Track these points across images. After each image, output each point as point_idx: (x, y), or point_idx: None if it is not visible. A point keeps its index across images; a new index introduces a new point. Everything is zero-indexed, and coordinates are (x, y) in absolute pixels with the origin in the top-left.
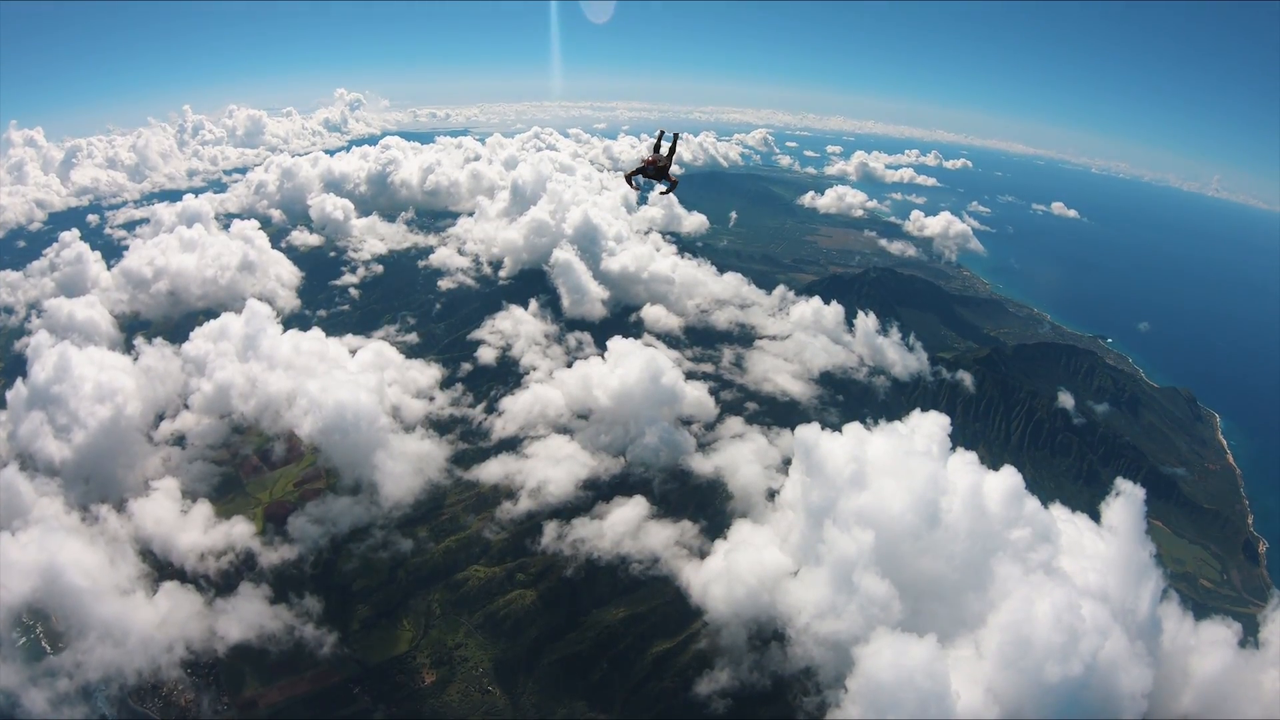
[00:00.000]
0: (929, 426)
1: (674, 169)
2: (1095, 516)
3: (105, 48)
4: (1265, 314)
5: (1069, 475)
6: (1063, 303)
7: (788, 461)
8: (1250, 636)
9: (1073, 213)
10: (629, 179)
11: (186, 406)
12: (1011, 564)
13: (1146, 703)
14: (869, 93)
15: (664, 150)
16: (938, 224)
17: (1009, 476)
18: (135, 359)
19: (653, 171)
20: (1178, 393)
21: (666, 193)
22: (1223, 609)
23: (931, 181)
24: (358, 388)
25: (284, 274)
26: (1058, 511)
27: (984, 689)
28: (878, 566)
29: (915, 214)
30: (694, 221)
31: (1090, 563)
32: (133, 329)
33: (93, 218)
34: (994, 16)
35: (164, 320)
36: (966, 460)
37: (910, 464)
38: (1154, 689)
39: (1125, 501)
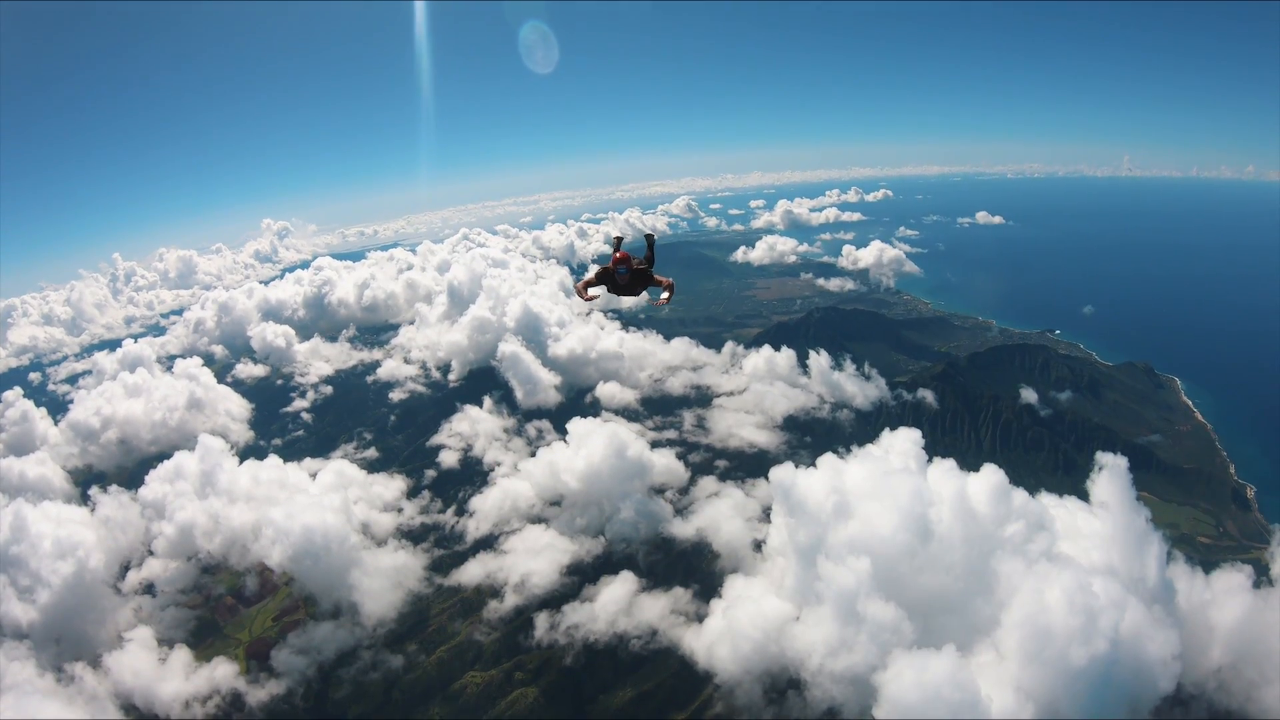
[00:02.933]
0: (901, 444)
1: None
2: (1083, 499)
3: (29, 206)
4: (1198, 274)
5: (1047, 468)
6: (1005, 306)
7: (768, 510)
8: (1261, 577)
9: (997, 219)
10: (583, 290)
11: (151, 553)
12: (1013, 560)
13: (1179, 664)
14: (782, 144)
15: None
16: (870, 254)
17: (991, 475)
18: (93, 510)
19: (627, 276)
20: (1134, 366)
21: (668, 299)
22: (1227, 559)
23: (857, 216)
24: (323, 510)
25: (233, 408)
26: (1046, 500)
27: (1013, 689)
28: (880, 591)
29: (847, 249)
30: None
31: (1090, 541)
32: (87, 482)
33: (35, 375)
34: (884, 47)
35: (118, 469)
36: (945, 468)
37: (891, 483)
38: (1182, 649)
39: (1110, 474)
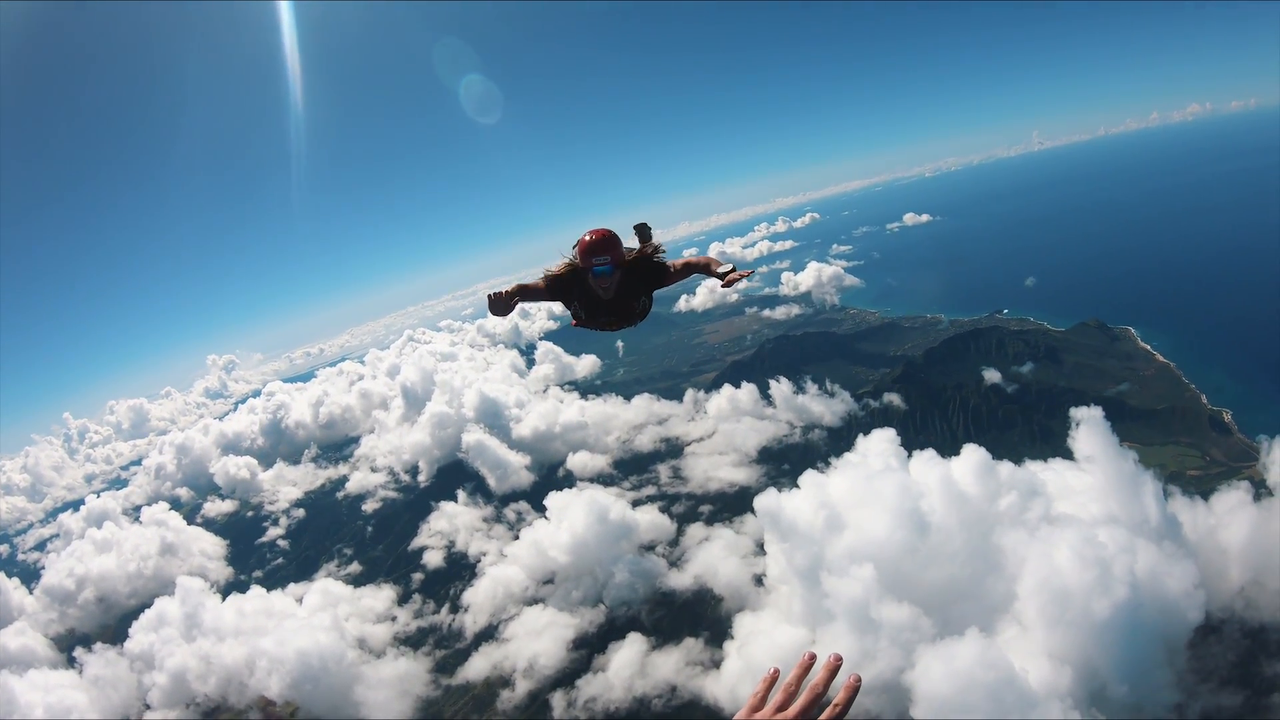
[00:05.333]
0: (878, 446)
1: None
2: (1069, 458)
3: None
4: (1124, 224)
5: (1025, 442)
6: (949, 298)
7: (761, 543)
8: (1260, 490)
9: (924, 217)
10: (507, 298)
11: (148, 706)
12: (1013, 531)
13: (1202, 592)
14: (704, 189)
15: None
16: (809, 277)
17: (972, 454)
18: (81, 672)
19: (614, 278)
20: (1087, 326)
21: (740, 277)
22: (1221, 484)
23: (789, 244)
24: (314, 631)
25: (207, 547)
26: (1033, 467)
27: (1045, 657)
28: (890, 594)
29: (785, 276)
30: (585, 364)
31: (1085, 496)
32: (71, 645)
33: (2, 548)
34: (783, 74)
35: (100, 628)
36: (926, 459)
37: (876, 485)
38: (1201, 578)
39: (1088, 427)
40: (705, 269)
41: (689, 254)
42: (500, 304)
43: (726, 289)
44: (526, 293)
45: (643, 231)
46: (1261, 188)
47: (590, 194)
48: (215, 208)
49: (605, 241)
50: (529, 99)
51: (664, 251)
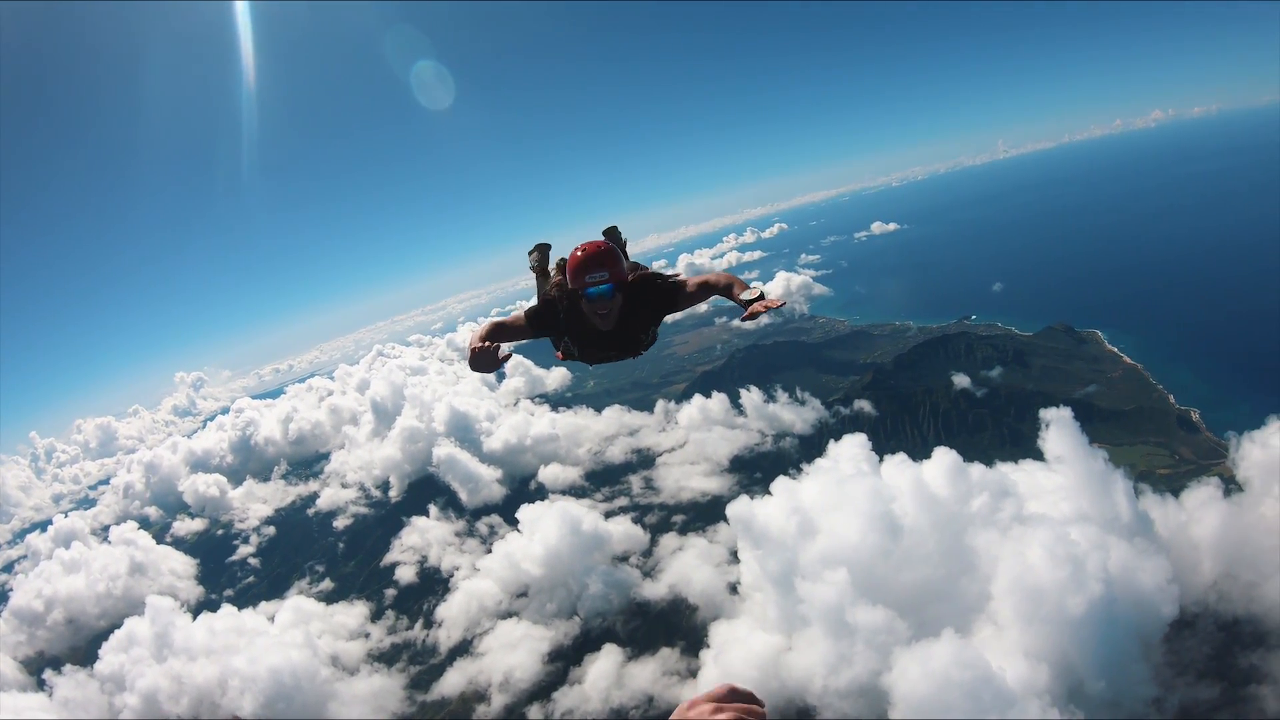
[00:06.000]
0: (849, 450)
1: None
2: (1039, 459)
3: None
4: (1089, 229)
5: (995, 445)
6: (918, 305)
7: (734, 551)
8: (1230, 486)
9: (891, 226)
10: (487, 351)
11: None
12: (986, 532)
13: (1176, 587)
14: (672, 200)
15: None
16: (777, 286)
17: (943, 456)
18: (50, 695)
19: (613, 304)
20: (1054, 329)
21: (771, 306)
22: (1191, 481)
23: (758, 254)
24: (286, 649)
25: (177, 566)
26: (1004, 468)
27: (1021, 655)
28: (865, 597)
29: (754, 285)
30: (556, 377)
31: (1056, 495)
32: (40, 667)
33: None
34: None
35: (70, 650)
36: (897, 463)
37: (848, 490)
38: (1174, 572)
39: (1057, 427)
40: (726, 291)
41: (709, 274)
42: (485, 359)
43: (747, 322)
44: (504, 332)
45: (612, 236)
46: (1223, 190)
47: (559, 205)
48: (182, 221)
49: (602, 256)
50: (497, 105)
51: (676, 274)
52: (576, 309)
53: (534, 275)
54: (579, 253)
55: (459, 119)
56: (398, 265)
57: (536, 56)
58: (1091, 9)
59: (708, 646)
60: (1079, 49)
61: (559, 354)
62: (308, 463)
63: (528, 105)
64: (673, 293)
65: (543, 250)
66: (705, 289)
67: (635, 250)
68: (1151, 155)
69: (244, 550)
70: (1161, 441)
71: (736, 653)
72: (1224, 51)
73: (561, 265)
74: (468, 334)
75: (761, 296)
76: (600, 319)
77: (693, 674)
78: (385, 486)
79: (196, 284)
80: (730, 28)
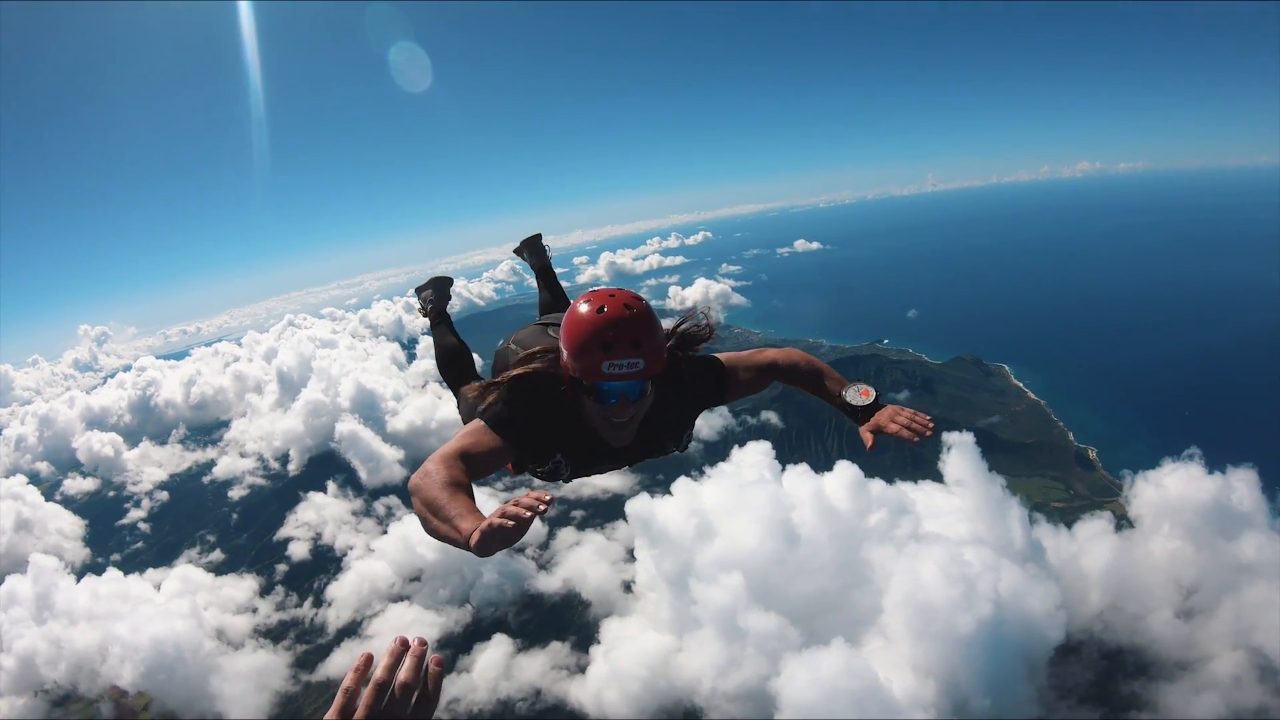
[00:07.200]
0: (752, 457)
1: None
2: (938, 481)
3: None
4: (1006, 268)
5: (896, 467)
6: (832, 324)
7: (631, 550)
8: (1122, 521)
9: (815, 245)
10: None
11: None
12: (882, 546)
13: (1063, 613)
14: (600, 199)
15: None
16: (695, 292)
17: (845, 470)
18: None
19: (639, 406)
20: (963, 360)
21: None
22: (1084, 515)
23: (679, 260)
24: (171, 619)
25: (65, 526)
26: (904, 486)
27: (909, 668)
28: (758, 602)
29: (673, 290)
30: None
31: (953, 517)
32: None
33: None
34: (691, 91)
35: None
36: (799, 473)
37: (748, 495)
38: (1063, 599)
39: (958, 451)
40: (811, 383)
41: (778, 353)
42: (511, 534)
43: (869, 439)
44: (479, 467)
45: (535, 251)
46: (1137, 245)
47: (485, 193)
48: (100, 165)
49: (638, 323)
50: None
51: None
52: (572, 409)
53: (427, 323)
54: (595, 310)
55: (392, 93)
56: (315, 236)
57: (481, 34)
58: (1030, 57)
59: (598, 643)
60: (1014, 92)
61: (512, 469)
62: (207, 429)
63: (466, 87)
64: (725, 381)
65: (441, 288)
66: (771, 373)
67: (560, 245)
68: (1073, 204)
69: (135, 514)
70: (1058, 476)
71: (627, 650)
72: (1151, 111)
73: (543, 331)
74: (384, 313)
75: (875, 395)
76: (615, 431)
77: (582, 669)
78: (284, 459)
79: (109, 235)
80: (675, 33)
